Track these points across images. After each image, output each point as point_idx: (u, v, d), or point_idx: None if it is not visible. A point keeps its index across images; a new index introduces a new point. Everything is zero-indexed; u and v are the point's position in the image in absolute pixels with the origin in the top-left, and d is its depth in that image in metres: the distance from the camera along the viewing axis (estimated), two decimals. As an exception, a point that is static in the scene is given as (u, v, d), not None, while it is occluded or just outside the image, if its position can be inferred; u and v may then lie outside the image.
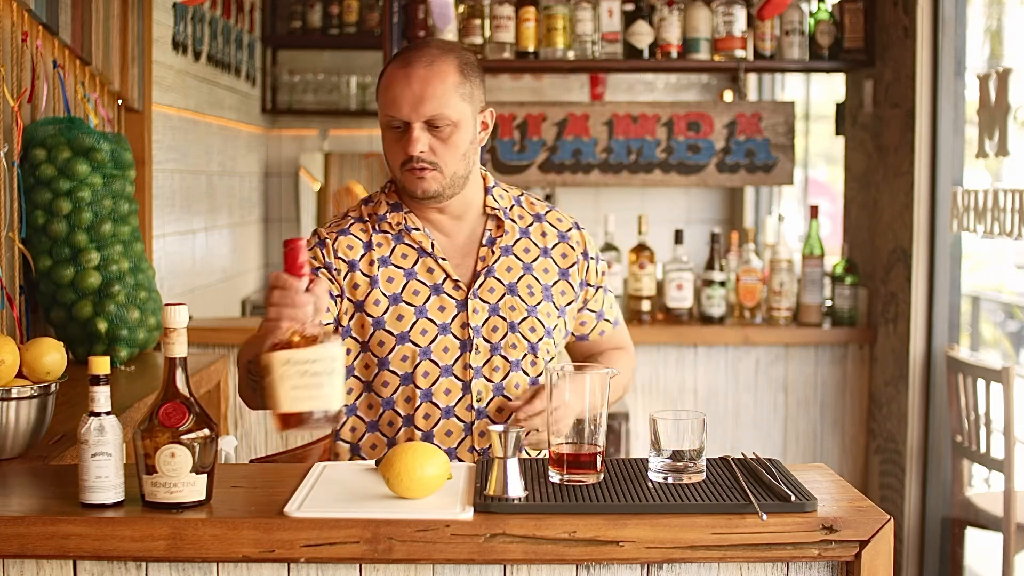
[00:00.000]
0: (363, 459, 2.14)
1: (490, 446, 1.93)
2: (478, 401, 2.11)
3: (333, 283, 2.11)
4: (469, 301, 2.13)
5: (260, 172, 6.08)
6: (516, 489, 1.68)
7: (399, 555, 1.60)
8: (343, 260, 2.13)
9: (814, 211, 4.26)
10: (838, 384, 4.21)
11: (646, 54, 4.11)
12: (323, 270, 2.12)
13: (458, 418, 2.11)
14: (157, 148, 3.94)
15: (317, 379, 1.62)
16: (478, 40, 4.07)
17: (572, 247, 2.24)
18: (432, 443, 2.04)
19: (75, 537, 1.59)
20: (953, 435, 3.68)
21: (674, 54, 4.10)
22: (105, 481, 1.64)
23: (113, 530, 1.60)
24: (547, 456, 1.81)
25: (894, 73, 4.00)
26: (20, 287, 2.84)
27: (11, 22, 2.72)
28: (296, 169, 6.23)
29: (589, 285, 2.25)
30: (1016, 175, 4.39)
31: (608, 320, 2.30)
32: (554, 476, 1.76)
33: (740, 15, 4.09)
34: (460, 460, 2.09)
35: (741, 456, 1.90)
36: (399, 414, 2.12)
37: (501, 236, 2.19)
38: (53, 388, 2.10)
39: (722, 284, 4.27)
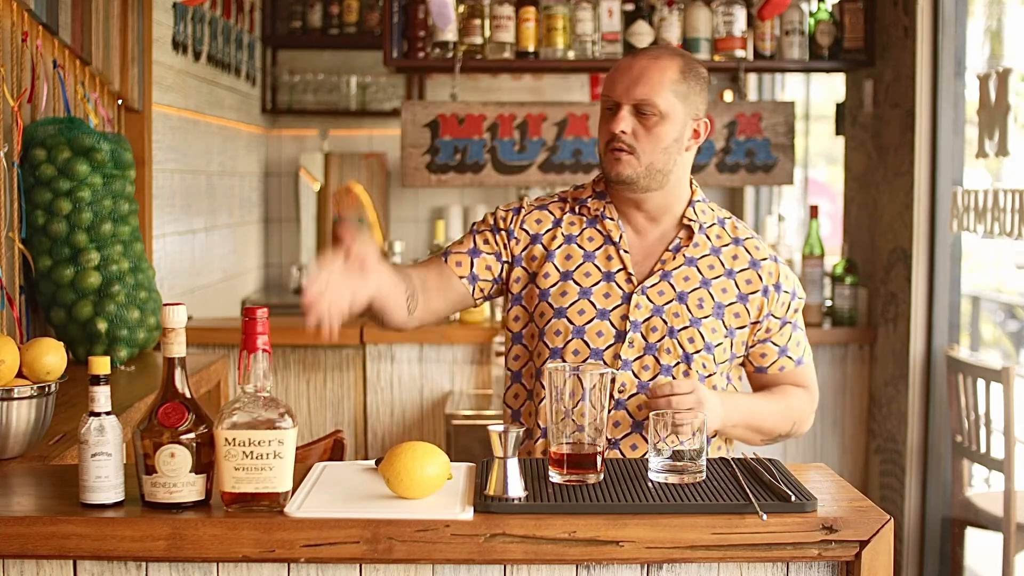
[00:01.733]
0: (522, 424, 2.21)
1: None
2: (620, 392, 2.12)
3: (504, 249, 2.23)
4: (635, 296, 2.15)
5: (260, 172, 6.08)
6: (516, 489, 1.68)
7: (399, 555, 1.60)
8: (527, 232, 2.23)
9: (814, 211, 4.26)
10: (838, 384, 4.21)
11: (646, 54, 4.10)
12: (502, 232, 2.24)
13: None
14: (157, 148, 3.94)
15: (262, 461, 1.61)
16: (478, 40, 4.07)
17: (760, 276, 2.21)
18: None
19: (75, 537, 1.59)
20: (953, 435, 3.68)
21: (674, 54, 4.10)
22: (105, 481, 1.64)
23: (113, 530, 1.60)
24: (547, 456, 1.81)
25: (894, 73, 4.00)
26: (20, 287, 2.84)
27: (11, 22, 2.72)
28: (296, 169, 6.23)
29: (775, 317, 2.22)
30: (1016, 175, 4.39)
31: (791, 357, 2.25)
32: (554, 476, 1.76)
33: (740, 15, 4.09)
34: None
35: (741, 456, 1.90)
36: (542, 385, 2.16)
37: (689, 246, 2.20)
38: (53, 388, 2.10)
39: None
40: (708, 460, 1.85)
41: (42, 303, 2.96)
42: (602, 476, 1.77)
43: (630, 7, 4.10)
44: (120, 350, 2.99)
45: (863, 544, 1.62)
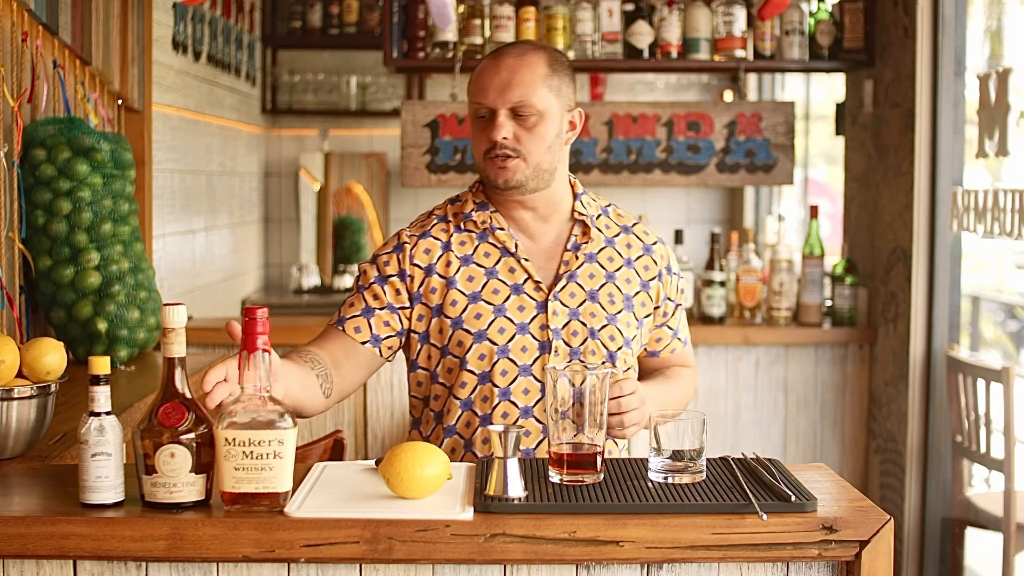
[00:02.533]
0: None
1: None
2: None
3: (397, 295, 2.14)
4: (549, 303, 2.12)
5: (260, 172, 6.08)
6: (516, 489, 1.68)
7: (399, 555, 1.60)
8: (419, 267, 2.14)
9: (814, 211, 4.26)
10: (838, 384, 4.21)
11: (646, 54, 4.11)
12: (390, 279, 2.14)
13: (536, 419, 2.10)
14: (157, 148, 3.94)
15: (261, 461, 1.62)
16: (478, 40, 4.07)
17: (655, 260, 2.22)
18: None
19: (75, 537, 1.59)
20: (953, 435, 3.68)
21: (674, 54, 4.10)
22: (105, 481, 1.64)
23: (113, 530, 1.60)
24: (547, 456, 1.81)
25: (894, 73, 4.00)
26: (20, 287, 2.84)
27: (11, 22, 2.72)
28: (296, 169, 6.23)
29: (670, 300, 2.24)
30: (1016, 175, 4.38)
31: (680, 339, 2.30)
32: (554, 476, 1.76)
33: (740, 15, 4.09)
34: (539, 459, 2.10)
35: (741, 456, 1.90)
36: (476, 414, 2.12)
37: (587, 243, 2.18)
38: (53, 388, 2.10)
39: (722, 284, 4.26)
40: (708, 460, 1.85)
41: (42, 303, 2.96)
42: (602, 476, 1.77)
43: (630, 7, 4.10)
44: (120, 350, 2.99)
45: (863, 544, 1.62)
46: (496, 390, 2.10)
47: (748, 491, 1.69)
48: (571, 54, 4.09)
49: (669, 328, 2.27)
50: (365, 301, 2.15)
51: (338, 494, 1.71)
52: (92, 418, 1.65)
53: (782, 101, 4.34)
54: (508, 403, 2.10)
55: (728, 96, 6.07)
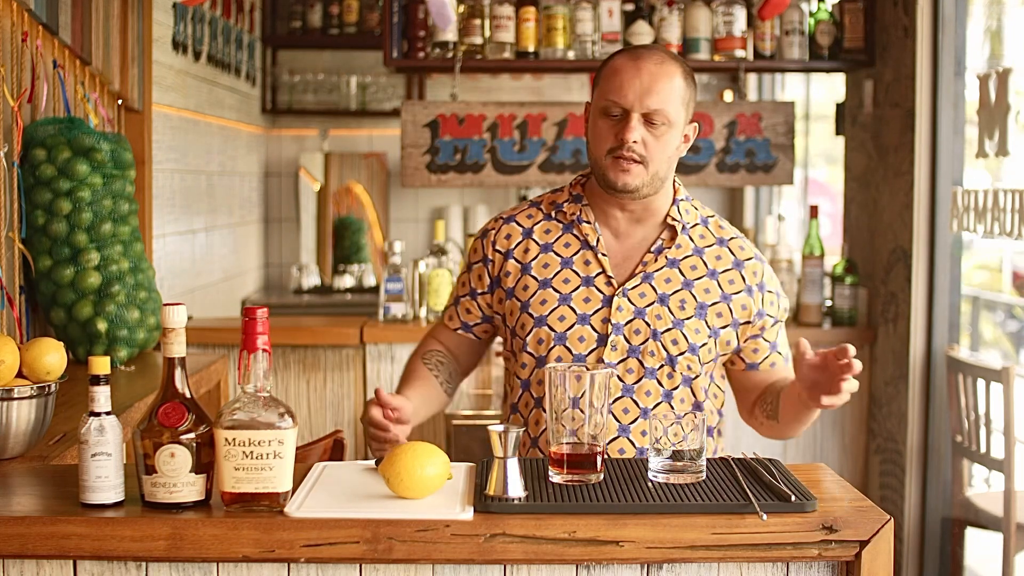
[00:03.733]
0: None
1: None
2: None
3: (479, 280, 2.26)
4: (615, 298, 2.14)
5: (260, 172, 6.08)
6: (516, 489, 1.68)
7: (399, 555, 1.60)
8: (499, 251, 2.23)
9: (814, 211, 4.26)
10: (838, 384, 4.20)
11: (646, 54, 4.10)
12: (479, 264, 2.26)
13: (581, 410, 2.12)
14: (157, 148, 3.94)
15: (261, 461, 1.62)
16: (478, 40, 4.07)
17: (743, 276, 2.20)
18: None
19: (75, 537, 1.59)
20: (953, 435, 3.68)
21: (674, 54, 4.10)
22: (105, 481, 1.64)
23: (113, 530, 1.60)
24: (547, 456, 1.81)
25: (894, 73, 4.00)
26: (20, 287, 2.84)
27: (11, 22, 2.72)
28: (296, 169, 6.23)
29: (768, 316, 2.22)
30: (1016, 175, 4.38)
31: (780, 353, 2.27)
32: (554, 476, 1.76)
33: (740, 15, 4.09)
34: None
35: (741, 456, 1.90)
36: (532, 396, 2.18)
37: (671, 248, 2.19)
38: (53, 388, 2.10)
39: (722, 284, 4.24)
40: (708, 460, 1.85)
41: (42, 303, 2.96)
42: (602, 476, 1.77)
43: (630, 7, 4.10)
44: (120, 350, 2.99)
45: (863, 544, 1.62)
46: None
47: (748, 491, 1.69)
48: (571, 54, 4.09)
49: (766, 340, 2.23)
50: (457, 290, 2.31)
51: (338, 494, 1.71)
52: (92, 418, 1.65)
53: (782, 101, 4.34)
54: None
55: (728, 96, 6.07)
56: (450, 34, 4.05)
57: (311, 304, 5.77)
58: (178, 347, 1.66)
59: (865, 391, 4.21)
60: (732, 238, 2.25)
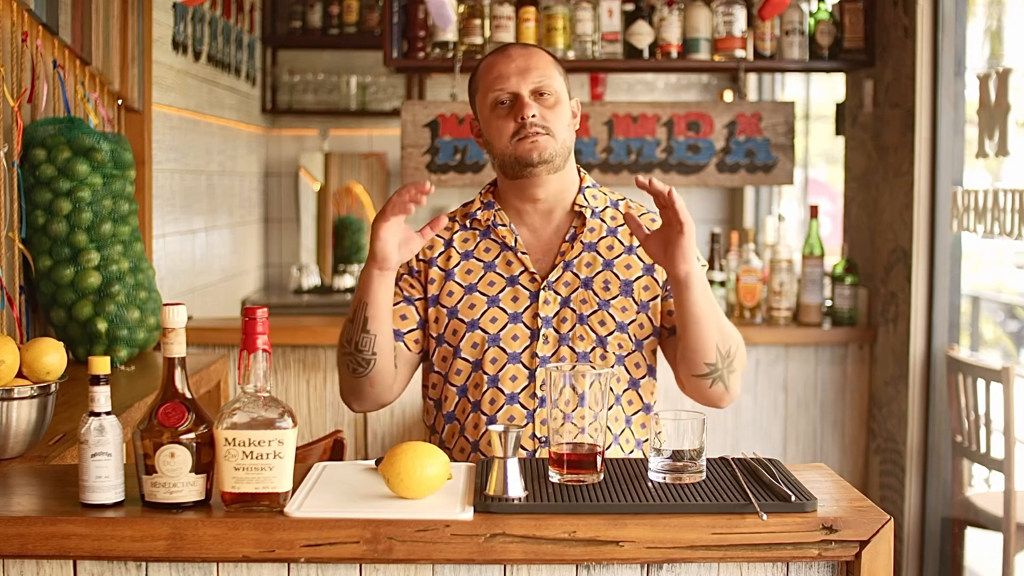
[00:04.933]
0: (448, 449, 2.20)
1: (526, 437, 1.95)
2: (541, 389, 2.13)
3: (415, 286, 2.23)
4: (541, 292, 2.17)
5: (260, 172, 6.08)
6: (516, 489, 1.68)
7: (399, 555, 1.60)
8: (423, 260, 2.24)
9: (814, 211, 4.26)
10: (838, 384, 4.21)
11: (646, 54, 4.11)
12: (407, 275, 2.24)
13: (521, 405, 2.14)
14: (157, 148, 3.94)
15: (261, 461, 1.62)
16: (478, 40, 4.06)
17: None
18: None
19: (75, 537, 1.59)
20: (953, 435, 3.68)
21: (674, 54, 4.10)
22: (105, 481, 1.64)
23: (113, 530, 1.60)
24: (547, 456, 1.81)
25: (894, 73, 4.00)
26: (20, 287, 2.84)
27: (11, 22, 2.72)
28: (296, 169, 6.23)
29: None
30: (1016, 175, 4.38)
31: None
32: (554, 476, 1.76)
33: (740, 15, 4.09)
34: (523, 448, 2.12)
35: (741, 456, 1.90)
36: (469, 400, 2.18)
37: (584, 232, 2.21)
38: (53, 388, 2.10)
39: (722, 284, 4.26)
40: (708, 460, 1.85)
41: (42, 303, 2.96)
42: (602, 476, 1.77)
43: (630, 7, 4.10)
44: (120, 350, 2.99)
45: (863, 544, 1.62)
46: (486, 377, 2.15)
47: (748, 491, 1.69)
48: (571, 54, 4.09)
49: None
50: (398, 294, 2.24)
51: (338, 494, 1.71)
52: (92, 418, 1.65)
53: (782, 101, 4.34)
54: (495, 390, 2.15)
55: (728, 96, 6.07)
56: (450, 34, 4.05)
57: (311, 304, 5.77)
58: (178, 347, 1.66)
59: (865, 391, 4.21)
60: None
